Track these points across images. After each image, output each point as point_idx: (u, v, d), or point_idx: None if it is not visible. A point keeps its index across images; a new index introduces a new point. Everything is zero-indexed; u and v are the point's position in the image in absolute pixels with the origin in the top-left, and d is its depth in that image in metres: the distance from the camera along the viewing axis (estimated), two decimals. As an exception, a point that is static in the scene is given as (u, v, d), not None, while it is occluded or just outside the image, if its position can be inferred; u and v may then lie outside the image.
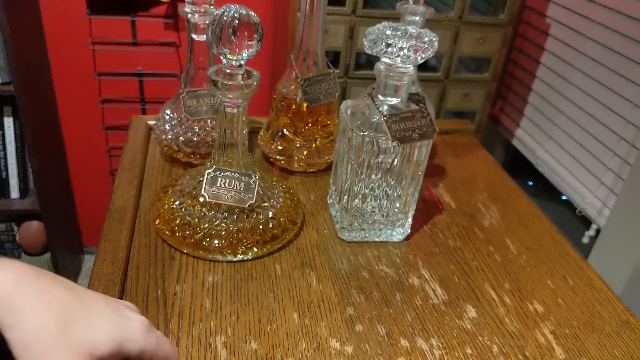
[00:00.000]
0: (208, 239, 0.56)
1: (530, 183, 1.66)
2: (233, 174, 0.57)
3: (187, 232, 0.56)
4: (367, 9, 1.26)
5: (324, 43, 0.69)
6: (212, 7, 0.63)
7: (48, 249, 1.61)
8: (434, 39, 0.52)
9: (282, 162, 0.73)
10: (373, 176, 0.58)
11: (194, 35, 0.65)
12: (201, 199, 0.57)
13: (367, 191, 0.58)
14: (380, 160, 0.56)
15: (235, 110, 0.54)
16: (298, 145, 0.72)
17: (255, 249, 0.57)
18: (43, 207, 1.49)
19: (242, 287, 0.54)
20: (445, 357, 0.48)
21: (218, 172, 0.57)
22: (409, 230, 0.63)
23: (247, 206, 0.57)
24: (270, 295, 0.53)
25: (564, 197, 1.44)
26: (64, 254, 1.65)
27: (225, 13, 0.49)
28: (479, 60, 1.42)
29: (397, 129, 0.54)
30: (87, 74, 1.57)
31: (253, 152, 0.78)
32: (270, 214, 0.59)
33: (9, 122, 1.44)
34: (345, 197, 0.60)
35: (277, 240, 0.58)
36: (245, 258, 0.57)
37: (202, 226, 0.56)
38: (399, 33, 0.52)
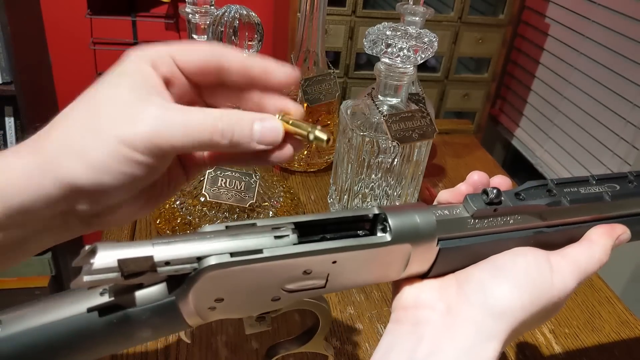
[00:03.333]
0: (209, 239, 0.56)
1: (530, 183, 1.66)
2: (234, 173, 0.57)
3: (188, 232, 0.57)
4: (367, 10, 1.26)
5: (324, 43, 0.70)
6: (212, 7, 0.63)
7: (49, 249, 1.61)
8: (434, 39, 0.53)
9: (283, 162, 0.73)
10: (373, 176, 0.58)
11: (194, 36, 0.65)
12: (202, 199, 0.57)
13: (367, 191, 0.59)
14: (380, 160, 0.56)
15: (235, 111, 0.55)
16: (298, 145, 0.72)
17: (255, 249, 0.57)
18: (44, 207, 1.49)
19: (243, 287, 0.54)
20: (445, 356, 0.48)
21: (219, 172, 0.57)
22: (409, 230, 0.63)
23: (247, 206, 0.57)
24: (271, 295, 0.53)
25: (563, 197, 1.43)
26: (65, 253, 1.65)
27: (226, 13, 0.49)
28: (479, 60, 1.43)
29: (397, 129, 0.54)
30: (88, 74, 1.58)
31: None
32: (271, 214, 0.59)
33: (10, 122, 1.44)
34: (345, 196, 0.60)
35: (278, 239, 0.58)
36: (246, 257, 0.57)
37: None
38: (398, 33, 0.52)
